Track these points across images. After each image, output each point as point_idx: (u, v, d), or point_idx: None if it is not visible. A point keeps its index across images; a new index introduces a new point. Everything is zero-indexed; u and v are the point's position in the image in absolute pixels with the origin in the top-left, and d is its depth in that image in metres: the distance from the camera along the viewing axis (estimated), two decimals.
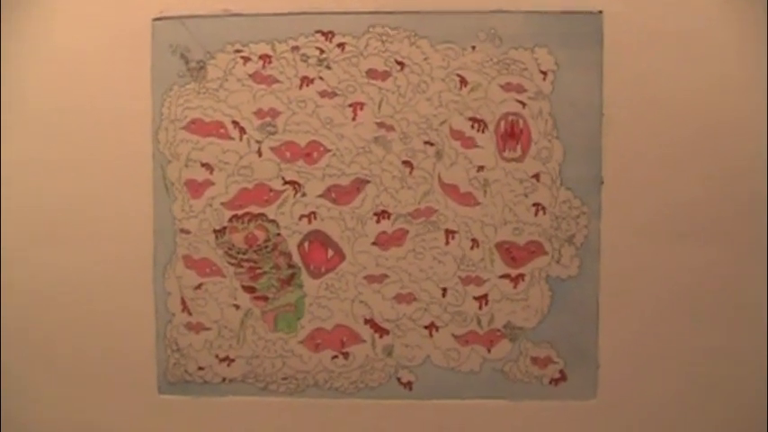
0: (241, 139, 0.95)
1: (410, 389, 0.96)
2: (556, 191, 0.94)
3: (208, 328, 0.96)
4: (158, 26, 0.95)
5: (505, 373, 0.95)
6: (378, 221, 0.94)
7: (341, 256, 0.95)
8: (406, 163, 0.94)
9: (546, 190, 0.94)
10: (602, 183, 0.94)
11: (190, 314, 0.96)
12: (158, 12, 0.95)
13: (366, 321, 0.95)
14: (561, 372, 0.95)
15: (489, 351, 0.95)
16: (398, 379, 0.96)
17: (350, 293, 0.95)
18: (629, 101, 0.93)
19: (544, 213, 0.94)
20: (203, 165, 0.95)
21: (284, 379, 0.97)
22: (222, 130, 0.95)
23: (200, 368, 0.97)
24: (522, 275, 0.95)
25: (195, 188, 0.95)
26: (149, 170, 0.96)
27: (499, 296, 0.95)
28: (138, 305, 0.97)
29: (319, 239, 0.95)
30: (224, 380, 0.97)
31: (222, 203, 0.95)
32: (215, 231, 0.95)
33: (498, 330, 0.95)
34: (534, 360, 0.95)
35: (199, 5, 0.95)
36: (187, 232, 0.96)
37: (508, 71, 0.93)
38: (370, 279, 0.95)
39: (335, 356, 0.96)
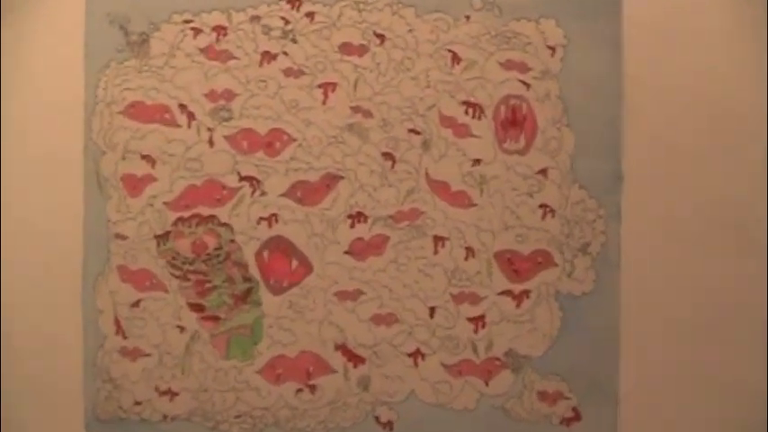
0: (189, 126, 0.79)
1: (391, 430, 0.79)
2: (567, 189, 0.78)
3: (146, 355, 0.80)
4: None
5: (507, 410, 0.79)
6: (352, 226, 0.78)
7: (307, 267, 0.79)
8: (386, 155, 0.78)
9: (555, 188, 0.78)
10: (622, 180, 0.78)
11: (125, 337, 0.80)
12: None
13: (337, 347, 0.79)
14: (574, 409, 0.78)
15: (487, 384, 0.78)
16: (376, 418, 0.79)
17: (318, 313, 0.79)
18: (653, 83, 0.79)
19: (553, 217, 0.78)
20: (144, 157, 0.80)
21: (238, 417, 0.80)
22: (167, 116, 0.79)
23: (137, 403, 0.80)
24: (526, 292, 0.78)
25: (134, 185, 0.80)
26: (79, 163, 0.80)
27: (499, 317, 0.78)
28: (63, 326, 0.80)
29: (281, 247, 0.79)
30: (165, 417, 0.80)
31: (165, 203, 0.79)
32: (156, 237, 0.79)
33: (498, 359, 0.78)
34: (542, 395, 0.78)
35: None
36: (123, 238, 0.80)
37: (509, 46, 0.78)
38: (343, 296, 0.78)
39: (300, 390, 0.79)
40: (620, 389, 0.78)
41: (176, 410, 0.80)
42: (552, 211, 0.78)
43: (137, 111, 0.80)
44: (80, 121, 0.80)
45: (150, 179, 0.79)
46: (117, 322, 0.80)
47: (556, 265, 0.78)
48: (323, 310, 0.79)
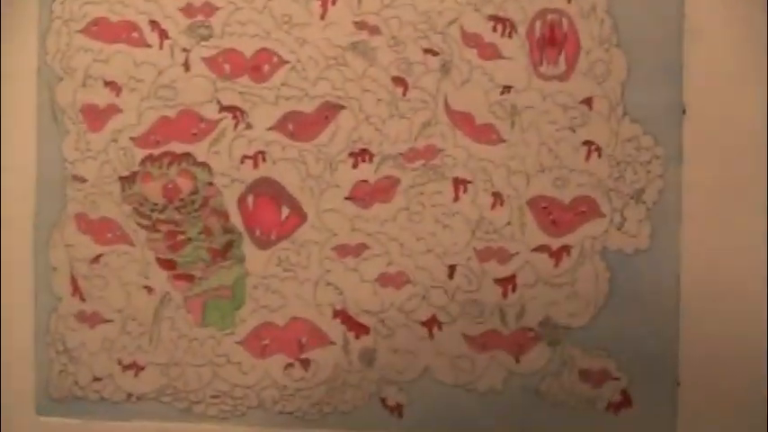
0: (161, 47, 0.66)
1: (399, 415, 0.65)
2: (616, 123, 0.64)
3: (108, 321, 0.67)
4: None
5: (542, 393, 0.64)
6: (355, 166, 0.65)
7: (300, 216, 0.65)
8: (396, 80, 0.65)
9: (602, 122, 0.64)
10: (685, 112, 0.64)
11: (83, 299, 0.67)
12: None
13: (336, 314, 0.65)
14: (624, 392, 0.64)
15: (518, 360, 0.64)
16: (382, 400, 0.65)
17: (312, 272, 0.65)
18: None
19: (599, 156, 0.64)
20: (107, 84, 0.67)
21: (215, 397, 0.66)
22: (135, 34, 0.66)
23: (97, 379, 0.67)
24: (566, 248, 0.64)
25: (95, 117, 0.67)
26: (32, 92, 0.67)
27: (533, 278, 0.64)
28: (8, 286, 0.67)
29: (269, 192, 0.65)
30: (129, 396, 0.67)
31: (132, 139, 0.66)
32: (121, 179, 0.66)
33: (531, 330, 0.64)
34: (585, 374, 0.64)
35: None
36: (82, 180, 0.67)
37: None
38: (343, 251, 0.65)
39: (290, 365, 0.65)
40: (681, 367, 0.64)
41: (142, 388, 0.67)
42: (598, 149, 0.64)
43: (100, 29, 0.66)
44: (32, 42, 0.67)
45: (114, 110, 0.66)
46: (73, 282, 0.67)
47: (603, 215, 0.64)
48: (318, 268, 0.65)
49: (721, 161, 0.64)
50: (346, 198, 0.65)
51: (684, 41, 0.64)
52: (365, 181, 0.65)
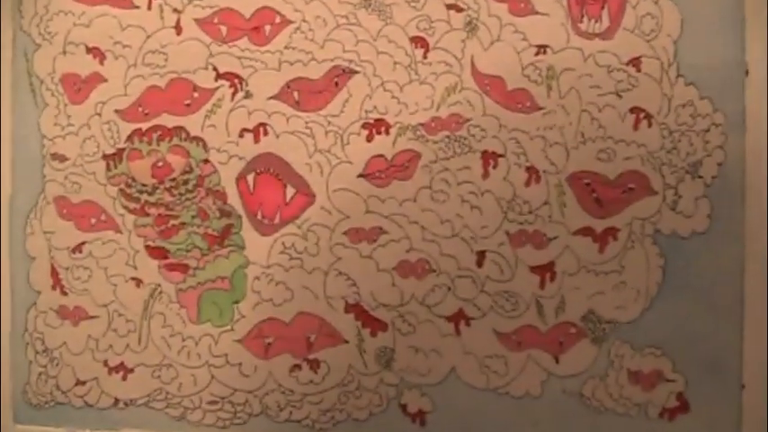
0: (150, 8, 0.59)
1: (422, 423, 0.57)
2: (669, 87, 0.56)
3: (92, 317, 0.60)
4: None
5: (585, 398, 0.56)
6: (369, 138, 0.57)
7: (307, 196, 0.58)
8: (416, 40, 0.57)
9: (652, 86, 0.56)
10: (747, 73, 0.55)
11: (64, 293, 0.60)
12: None
13: (349, 308, 0.57)
14: (680, 397, 0.56)
15: (558, 361, 0.56)
16: (403, 407, 0.57)
17: (322, 260, 0.57)
18: None
19: (650, 125, 0.56)
20: (90, 50, 0.60)
21: (212, 403, 0.58)
22: None
23: (81, 382, 0.60)
24: (613, 231, 0.56)
25: (77, 87, 0.60)
26: (6, 61, 0.60)
27: (575, 266, 0.56)
28: None
29: (272, 169, 0.58)
30: (117, 402, 0.59)
31: (118, 112, 0.59)
32: (106, 157, 0.59)
33: (573, 325, 0.56)
34: (635, 376, 0.56)
35: None
36: (62, 159, 0.60)
37: None
38: (357, 235, 0.57)
39: (297, 366, 0.57)
40: (746, 368, 0.55)
41: (131, 393, 0.59)
42: (648, 117, 0.56)
43: None
44: (7, 5, 0.60)
45: (98, 79, 0.59)
46: (54, 273, 0.60)
47: (655, 192, 0.56)
48: (329, 255, 0.57)
49: None
50: (359, 176, 0.57)
51: None
52: (381, 156, 0.57)
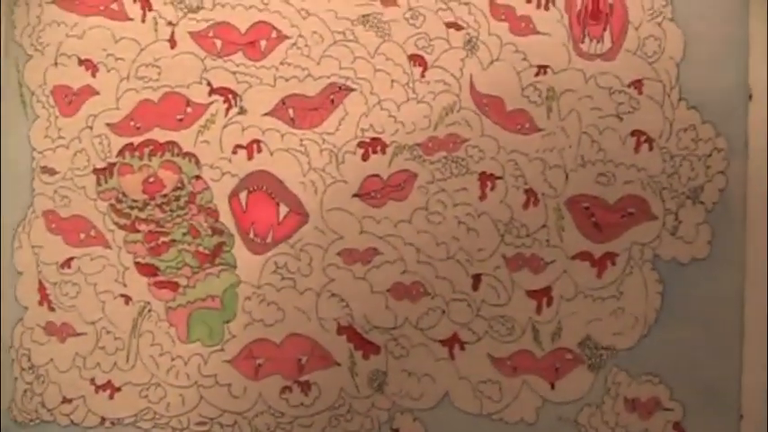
0: (144, 20, 0.58)
1: None
2: (671, 110, 0.55)
3: (80, 334, 0.58)
4: None
5: (581, 425, 0.55)
6: (365, 157, 0.56)
7: (301, 215, 0.56)
8: (414, 58, 0.56)
9: (654, 108, 0.55)
10: (751, 97, 0.55)
11: (51, 309, 0.58)
12: None
13: (341, 330, 0.56)
14: (677, 426, 0.55)
15: (553, 387, 0.55)
16: (395, 431, 0.56)
17: (315, 280, 0.56)
18: None
19: (650, 149, 0.55)
20: (83, 62, 0.58)
21: (201, 424, 0.57)
22: (114, 6, 0.58)
23: (67, 400, 0.58)
24: (611, 256, 0.55)
25: (68, 100, 0.58)
26: None
27: (572, 291, 0.55)
28: None
29: (265, 187, 0.57)
30: (104, 421, 0.58)
31: (109, 125, 0.58)
32: (96, 171, 0.58)
33: (570, 351, 0.55)
34: (632, 404, 0.55)
35: None
36: (52, 173, 0.58)
37: None
38: (350, 256, 0.56)
39: (287, 388, 0.56)
40: (744, 398, 0.54)
41: (118, 412, 0.58)
42: (649, 140, 0.55)
43: None
44: None
45: (90, 92, 0.58)
46: (41, 289, 0.58)
47: (654, 217, 0.55)
48: (322, 276, 0.56)
49: None
50: (354, 195, 0.56)
51: (751, 13, 0.55)
52: (377, 175, 0.56)
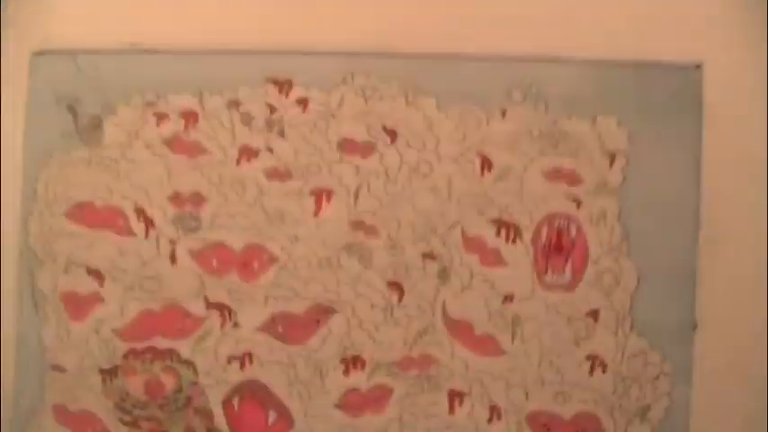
0: (147, 236, 0.63)
1: None
2: (623, 338, 0.61)
3: None
4: (39, 63, 0.64)
5: None
6: (346, 373, 0.62)
7: (287, 422, 0.62)
8: (393, 285, 0.62)
9: (608, 336, 0.61)
10: (695, 327, 0.60)
11: None
12: (39, 42, 0.64)
13: None
14: None
15: None
16: None
17: None
18: (740, 200, 0.61)
19: (604, 372, 0.61)
20: (91, 271, 0.64)
21: None
22: (120, 222, 0.64)
23: None
24: None
25: (77, 306, 0.64)
26: (12, 275, 0.65)
27: None
28: None
29: (256, 395, 0.63)
30: None
31: (115, 331, 0.63)
32: (102, 372, 0.64)
33: None
34: None
35: (96, 35, 0.64)
36: (62, 370, 0.64)
37: (556, 151, 0.61)
38: None
39: None
40: None
41: None
42: (603, 364, 0.61)
43: (84, 213, 0.64)
44: (15, 224, 0.64)
45: (97, 299, 0.63)
46: None
47: None
48: None
49: (733, 382, 0.60)
50: (336, 406, 0.62)
51: (699, 253, 0.60)
52: (356, 389, 0.62)
